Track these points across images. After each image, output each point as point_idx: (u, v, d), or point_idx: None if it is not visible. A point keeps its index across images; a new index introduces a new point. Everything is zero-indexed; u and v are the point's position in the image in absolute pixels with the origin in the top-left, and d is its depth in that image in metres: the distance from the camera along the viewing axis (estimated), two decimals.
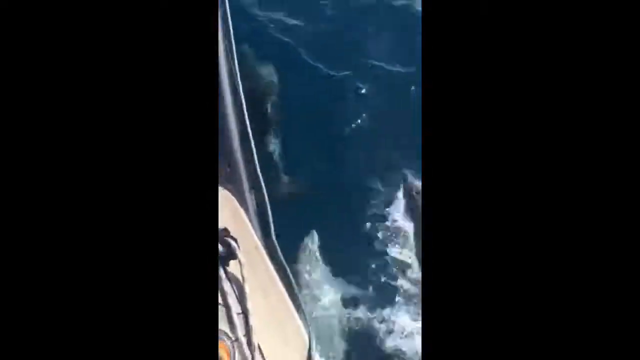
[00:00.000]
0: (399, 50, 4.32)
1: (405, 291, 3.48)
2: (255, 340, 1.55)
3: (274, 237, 1.75)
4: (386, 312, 3.44)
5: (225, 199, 1.73)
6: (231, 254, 1.62)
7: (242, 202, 1.77)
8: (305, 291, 3.23)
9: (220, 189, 1.75)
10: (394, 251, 3.61)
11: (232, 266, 1.64)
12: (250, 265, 1.64)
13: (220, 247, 1.62)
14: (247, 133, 1.88)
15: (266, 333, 1.58)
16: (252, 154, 1.86)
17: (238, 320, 1.59)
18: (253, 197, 1.87)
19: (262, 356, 1.55)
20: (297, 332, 1.59)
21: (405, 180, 3.72)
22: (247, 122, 1.88)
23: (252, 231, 1.70)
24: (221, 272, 1.64)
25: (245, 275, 1.62)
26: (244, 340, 1.55)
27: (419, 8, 4.24)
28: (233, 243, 1.62)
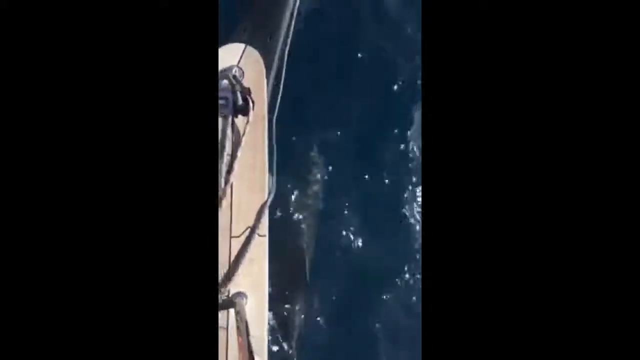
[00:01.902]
0: None
1: None
2: (232, 178, 1.95)
3: (273, 118, 2.08)
4: None
5: (257, 62, 2.03)
6: (245, 109, 1.96)
7: (268, 72, 2.08)
8: None
9: (257, 53, 2.04)
10: None
11: (240, 119, 1.99)
12: (253, 126, 1.99)
13: (240, 100, 1.95)
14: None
15: (241, 177, 1.97)
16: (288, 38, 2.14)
17: (225, 159, 1.97)
18: (275, 73, 2.16)
19: (231, 192, 1.96)
20: (263, 187, 1.98)
21: None
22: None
23: (266, 102, 2.03)
24: (229, 119, 1.98)
25: (247, 131, 1.98)
26: (224, 175, 1.95)
27: None
28: (251, 103, 1.96)
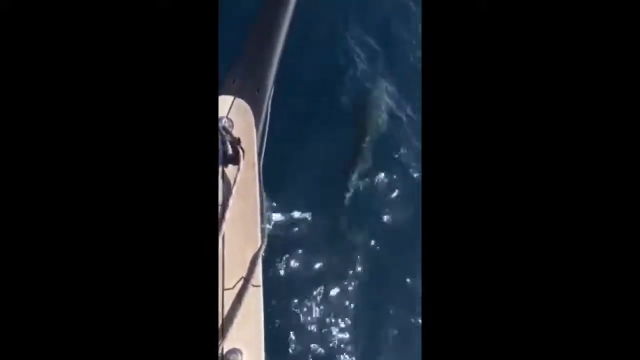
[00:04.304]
0: None
1: None
2: (224, 227, 1.88)
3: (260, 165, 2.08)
4: None
5: (246, 113, 2.05)
6: (235, 159, 1.95)
7: (257, 123, 2.10)
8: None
9: (245, 104, 2.07)
10: None
11: (231, 168, 1.97)
12: (244, 174, 1.97)
13: (230, 150, 1.94)
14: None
15: (234, 226, 1.91)
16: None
17: (218, 210, 1.92)
18: (263, 124, 2.19)
19: (223, 241, 1.89)
20: (255, 235, 1.92)
21: None
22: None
23: (255, 149, 2.03)
24: (220, 169, 1.96)
25: (238, 179, 1.95)
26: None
27: None
28: (241, 151, 1.95)
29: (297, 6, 2.21)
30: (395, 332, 3.20)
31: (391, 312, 3.25)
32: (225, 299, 1.83)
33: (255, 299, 1.84)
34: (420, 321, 3.14)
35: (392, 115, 3.74)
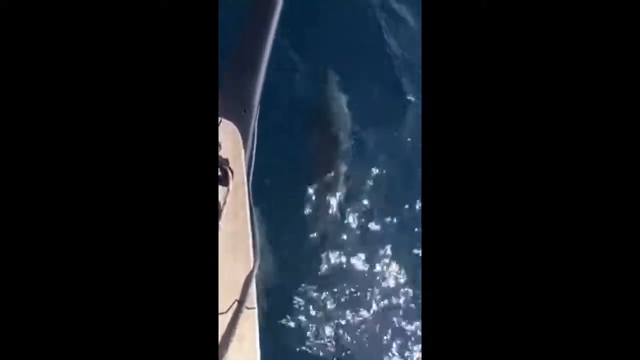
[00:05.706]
0: None
1: None
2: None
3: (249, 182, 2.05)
4: None
5: (233, 134, 2.04)
6: (224, 180, 1.91)
7: (245, 143, 2.08)
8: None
9: (232, 125, 2.05)
10: None
11: (220, 189, 1.93)
12: (234, 194, 1.93)
13: (218, 171, 1.91)
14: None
15: (225, 248, 1.85)
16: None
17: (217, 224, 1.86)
18: (250, 144, 2.17)
19: None
20: (247, 255, 1.87)
21: None
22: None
23: (244, 169, 2.00)
24: None
25: (227, 200, 1.91)
26: None
27: None
28: (229, 172, 1.92)
29: (281, 25, 2.23)
30: None
31: None
32: (220, 323, 1.75)
33: (250, 321, 1.77)
34: None
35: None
